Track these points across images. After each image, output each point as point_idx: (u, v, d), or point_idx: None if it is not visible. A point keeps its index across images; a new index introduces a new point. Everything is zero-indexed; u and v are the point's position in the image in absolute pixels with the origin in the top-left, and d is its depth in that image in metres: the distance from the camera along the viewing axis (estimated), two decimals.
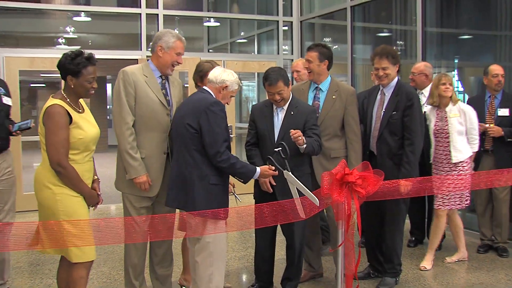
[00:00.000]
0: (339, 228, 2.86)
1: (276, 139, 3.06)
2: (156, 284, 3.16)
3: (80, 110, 2.55)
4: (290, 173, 2.77)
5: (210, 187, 2.66)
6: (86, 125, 2.52)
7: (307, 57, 3.30)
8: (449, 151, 3.65)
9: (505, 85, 4.32)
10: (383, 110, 3.29)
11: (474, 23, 5.39)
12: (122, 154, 2.87)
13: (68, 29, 7.33)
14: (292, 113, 3.07)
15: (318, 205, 2.74)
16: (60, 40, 7.37)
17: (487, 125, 3.94)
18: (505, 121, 3.95)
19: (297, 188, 2.76)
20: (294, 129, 2.94)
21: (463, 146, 3.66)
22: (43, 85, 13.96)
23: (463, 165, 3.67)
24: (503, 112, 3.98)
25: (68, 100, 2.49)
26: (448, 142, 3.66)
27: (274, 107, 3.13)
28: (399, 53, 5.78)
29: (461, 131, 3.66)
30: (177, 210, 2.88)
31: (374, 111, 3.36)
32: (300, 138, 2.87)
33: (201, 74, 3.18)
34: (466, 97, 5.36)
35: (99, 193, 2.65)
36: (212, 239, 2.67)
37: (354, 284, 3.06)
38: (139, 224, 2.77)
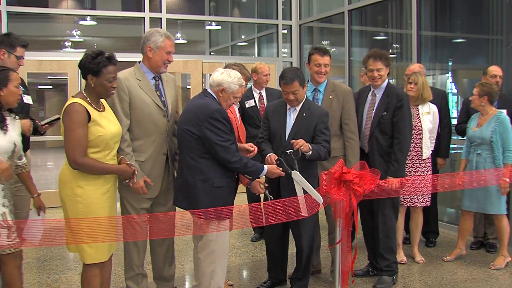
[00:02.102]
0: (337, 226, 2.92)
1: (286, 138, 3.07)
2: (160, 283, 3.17)
3: (101, 109, 2.53)
4: (298, 172, 2.81)
5: (214, 190, 2.68)
6: (105, 123, 2.49)
7: (325, 61, 3.29)
8: (421, 147, 3.75)
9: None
10: (374, 110, 3.35)
11: (467, 27, 5.46)
12: None
13: (74, 32, 7.38)
14: (304, 114, 3.08)
15: (321, 203, 2.79)
16: (66, 44, 7.47)
17: None
18: None
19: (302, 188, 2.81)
20: (304, 132, 3.00)
21: (429, 144, 3.80)
22: (50, 87, 14.08)
23: (430, 161, 3.83)
24: None
25: (88, 99, 2.47)
26: (420, 139, 3.75)
27: (288, 106, 3.13)
28: (394, 56, 5.92)
29: (430, 129, 3.78)
30: (177, 209, 2.90)
31: (364, 111, 3.42)
32: (303, 146, 2.88)
33: None
34: (460, 98, 5.48)
35: (128, 162, 2.61)
36: (215, 238, 2.72)
37: (350, 279, 3.12)
38: (140, 223, 2.76)
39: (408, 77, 3.85)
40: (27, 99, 3.16)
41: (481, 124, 3.75)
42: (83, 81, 2.57)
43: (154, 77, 2.93)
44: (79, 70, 2.54)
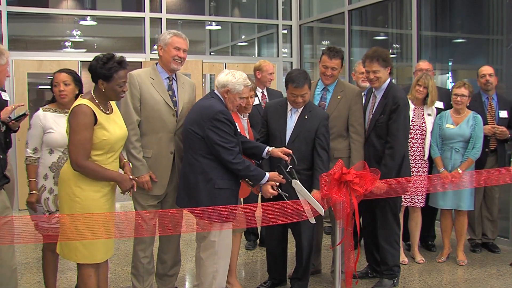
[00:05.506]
0: (337, 226, 2.91)
1: (287, 141, 3.05)
2: (162, 281, 3.19)
3: (108, 112, 2.50)
4: (298, 181, 2.81)
5: (215, 192, 2.68)
6: (112, 126, 2.48)
7: (332, 65, 3.25)
8: (423, 147, 3.77)
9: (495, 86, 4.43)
10: (372, 113, 3.27)
11: (467, 27, 5.48)
12: (126, 154, 2.90)
13: (74, 32, 7.37)
14: (306, 117, 3.06)
15: (322, 213, 2.78)
16: (67, 44, 7.45)
17: (496, 127, 3.94)
18: (504, 123, 3.99)
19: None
20: (306, 134, 2.99)
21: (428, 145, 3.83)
22: (50, 87, 14.05)
23: (427, 162, 3.85)
24: (503, 114, 4.03)
25: (96, 101, 2.45)
26: (423, 139, 3.77)
27: (289, 108, 3.11)
28: (394, 56, 5.92)
29: (430, 131, 3.79)
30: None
31: (367, 114, 3.35)
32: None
33: None
34: None
35: (131, 177, 2.60)
36: (218, 239, 2.73)
37: (353, 281, 3.09)
38: (146, 220, 2.77)
39: (418, 78, 3.79)
40: (5, 96, 3.28)
41: (458, 122, 3.81)
42: (85, 81, 2.56)
43: (168, 77, 3.00)
44: (90, 73, 2.50)
